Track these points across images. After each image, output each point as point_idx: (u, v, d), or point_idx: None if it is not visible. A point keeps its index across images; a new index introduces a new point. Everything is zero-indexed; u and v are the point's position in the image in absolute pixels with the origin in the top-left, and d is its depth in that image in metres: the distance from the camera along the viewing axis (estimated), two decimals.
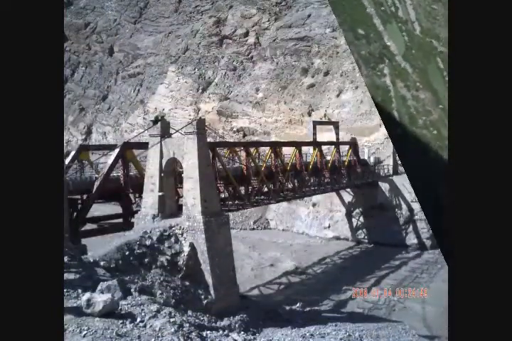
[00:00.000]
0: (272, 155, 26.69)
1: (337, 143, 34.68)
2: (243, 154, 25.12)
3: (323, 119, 39.42)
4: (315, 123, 34.39)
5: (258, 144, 31.13)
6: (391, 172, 36.37)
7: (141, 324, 8.26)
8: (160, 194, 17.31)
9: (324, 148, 33.18)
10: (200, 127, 16.54)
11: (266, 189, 25.76)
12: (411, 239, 32.72)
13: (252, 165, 24.94)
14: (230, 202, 22.32)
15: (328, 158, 33.20)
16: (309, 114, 49.93)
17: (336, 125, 37.19)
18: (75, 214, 18.49)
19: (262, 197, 25.55)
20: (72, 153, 19.67)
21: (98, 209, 27.72)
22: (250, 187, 24.52)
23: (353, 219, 35.97)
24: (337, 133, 36.43)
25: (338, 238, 35.92)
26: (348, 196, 36.74)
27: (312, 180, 30.12)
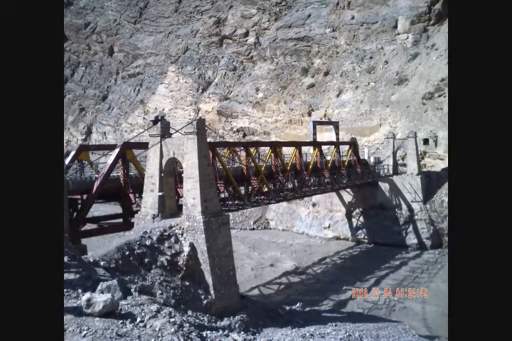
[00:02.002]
0: (272, 155, 26.71)
1: (337, 143, 34.70)
2: (243, 154, 25.13)
3: (323, 119, 39.46)
4: (315, 123, 34.45)
5: (258, 144, 31.13)
6: (391, 172, 36.37)
7: (141, 324, 8.25)
8: (160, 194, 17.31)
9: (324, 148, 33.19)
10: (200, 127, 16.52)
11: (266, 189, 25.75)
12: (411, 239, 32.72)
13: (252, 165, 24.94)
14: (230, 202, 22.30)
15: (328, 158, 33.22)
16: (309, 114, 49.93)
17: (335, 125, 37.25)
18: (75, 214, 18.49)
19: (262, 197, 25.53)
20: (72, 153, 19.65)
21: (98, 209, 27.75)
22: (250, 187, 24.52)
23: (353, 219, 35.96)
24: (337, 133, 36.50)
25: (338, 238, 35.93)
26: (348, 196, 36.73)
27: (312, 180, 30.10)
